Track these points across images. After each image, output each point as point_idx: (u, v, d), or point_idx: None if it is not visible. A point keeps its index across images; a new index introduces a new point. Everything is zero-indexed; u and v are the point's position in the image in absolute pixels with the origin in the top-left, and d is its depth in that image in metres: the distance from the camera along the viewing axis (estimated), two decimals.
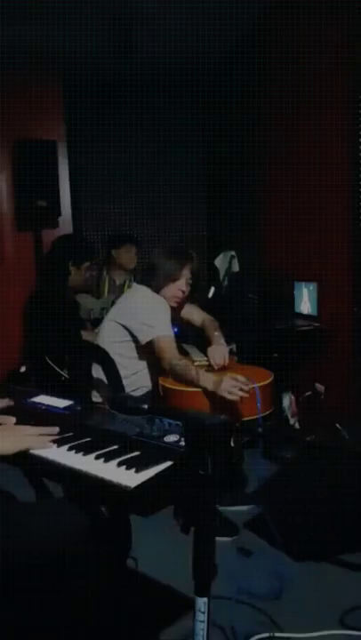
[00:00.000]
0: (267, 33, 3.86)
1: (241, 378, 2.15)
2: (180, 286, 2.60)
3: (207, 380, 2.22)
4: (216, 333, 2.65)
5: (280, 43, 3.66)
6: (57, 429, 1.42)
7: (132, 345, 2.55)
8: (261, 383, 2.25)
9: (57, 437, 1.39)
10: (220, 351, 2.51)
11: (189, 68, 4.79)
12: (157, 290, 2.58)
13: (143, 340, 2.46)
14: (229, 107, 4.74)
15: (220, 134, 4.96)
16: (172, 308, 2.62)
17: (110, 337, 2.59)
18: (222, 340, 2.62)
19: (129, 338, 2.53)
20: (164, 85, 4.95)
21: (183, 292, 2.62)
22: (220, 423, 1.09)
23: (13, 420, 1.48)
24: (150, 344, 2.44)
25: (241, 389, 2.11)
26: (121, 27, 3.76)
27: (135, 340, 2.51)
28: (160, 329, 2.43)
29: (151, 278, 2.59)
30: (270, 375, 2.37)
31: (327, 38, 3.05)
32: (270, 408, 2.35)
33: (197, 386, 2.24)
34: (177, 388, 2.32)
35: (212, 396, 2.19)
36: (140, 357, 2.58)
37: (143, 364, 2.60)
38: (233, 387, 2.11)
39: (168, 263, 2.58)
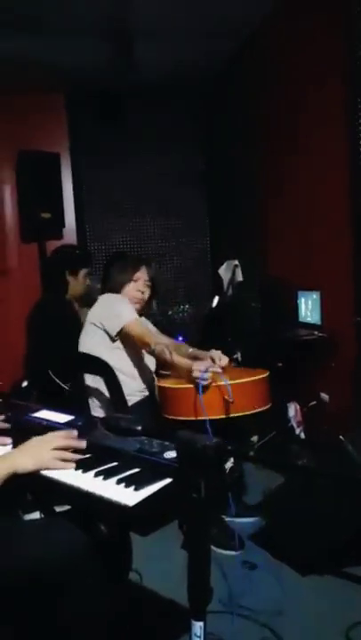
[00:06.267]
0: (265, 45, 3.88)
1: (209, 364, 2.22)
2: (138, 287, 2.72)
3: (180, 363, 2.30)
4: (191, 350, 2.65)
5: (279, 54, 3.68)
6: (83, 445, 1.39)
7: (110, 342, 2.62)
8: (248, 379, 2.26)
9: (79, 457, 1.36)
10: (219, 353, 2.49)
11: (190, 81, 4.82)
12: (117, 291, 2.71)
13: (113, 331, 2.57)
14: (230, 118, 4.77)
15: (222, 145, 4.99)
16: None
17: (87, 338, 2.68)
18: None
19: (105, 335, 2.61)
20: (166, 98, 4.99)
21: (142, 292, 2.73)
22: (213, 446, 1.08)
23: (8, 440, 1.47)
24: (124, 336, 2.55)
25: (209, 374, 2.15)
26: (123, 41, 3.79)
27: (109, 335, 2.60)
28: (125, 316, 2.55)
29: (110, 280, 2.75)
30: (264, 372, 2.37)
31: (325, 50, 3.06)
32: (267, 404, 2.34)
33: (173, 367, 2.34)
34: (170, 386, 2.34)
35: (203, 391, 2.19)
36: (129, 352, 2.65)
37: (128, 363, 2.65)
38: (205, 367, 2.17)
39: (122, 266, 2.77)
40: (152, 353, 2.51)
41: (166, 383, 2.39)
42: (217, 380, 2.19)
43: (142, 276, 2.73)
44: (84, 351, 2.67)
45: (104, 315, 2.62)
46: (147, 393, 2.67)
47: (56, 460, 1.33)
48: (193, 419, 2.19)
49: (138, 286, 2.72)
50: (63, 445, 1.37)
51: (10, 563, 1.21)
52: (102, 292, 2.82)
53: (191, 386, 2.24)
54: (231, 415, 2.18)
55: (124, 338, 2.59)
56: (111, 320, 2.58)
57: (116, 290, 2.72)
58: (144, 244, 5.18)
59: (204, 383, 2.14)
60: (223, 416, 2.18)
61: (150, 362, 2.73)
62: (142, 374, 2.69)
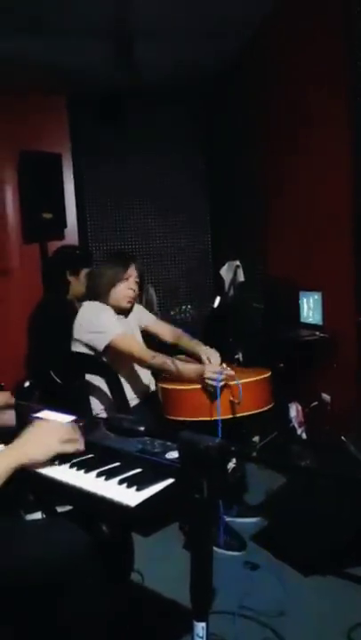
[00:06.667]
0: (265, 45, 3.88)
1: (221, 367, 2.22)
2: (129, 285, 2.64)
3: (189, 370, 2.28)
4: (196, 341, 2.66)
5: (279, 54, 3.68)
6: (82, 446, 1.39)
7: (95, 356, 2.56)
8: (252, 378, 2.26)
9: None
10: (213, 352, 2.50)
11: (190, 81, 4.83)
12: (107, 294, 2.60)
13: (100, 347, 2.48)
14: (230, 118, 4.77)
15: (222, 145, 4.99)
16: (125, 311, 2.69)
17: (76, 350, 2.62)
18: (206, 347, 2.61)
19: (89, 350, 2.55)
20: (166, 98, 4.99)
21: (133, 290, 2.66)
22: (215, 446, 1.08)
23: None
24: (111, 350, 2.46)
25: (224, 376, 2.16)
26: (123, 41, 3.79)
27: (95, 351, 2.52)
28: (110, 331, 2.46)
29: (98, 284, 2.63)
30: (266, 372, 2.38)
31: (325, 50, 3.06)
32: (270, 403, 2.35)
33: (181, 378, 2.29)
34: (173, 387, 2.34)
35: (205, 393, 2.21)
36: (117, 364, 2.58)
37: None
38: (215, 372, 2.16)
39: (112, 266, 2.66)
40: (151, 367, 2.46)
41: (169, 384, 2.39)
42: (227, 380, 2.19)
43: (133, 273, 2.66)
44: None
45: (88, 330, 2.53)
46: (136, 401, 2.63)
47: (64, 444, 1.34)
48: (197, 419, 2.19)
49: (130, 284, 2.65)
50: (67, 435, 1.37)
51: (10, 563, 1.21)
52: (88, 297, 2.71)
53: (194, 387, 2.24)
54: (237, 415, 2.19)
55: (111, 352, 2.50)
56: (95, 336, 2.49)
57: (105, 291, 2.61)
58: (145, 244, 5.18)
59: (220, 385, 2.14)
60: (230, 416, 2.19)
61: (142, 371, 2.67)
62: (132, 383, 2.63)
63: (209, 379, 2.18)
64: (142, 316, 2.85)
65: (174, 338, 2.79)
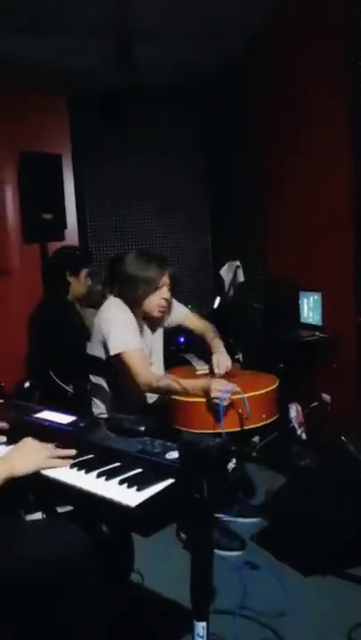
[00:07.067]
0: (265, 45, 3.88)
1: (226, 384, 2.17)
2: (162, 294, 2.49)
3: (195, 388, 2.22)
4: (217, 339, 2.63)
5: (279, 54, 3.68)
6: (74, 452, 1.41)
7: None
8: (261, 391, 2.24)
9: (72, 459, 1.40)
10: (223, 359, 2.49)
11: (190, 81, 4.83)
12: (139, 302, 2.48)
13: (111, 351, 2.38)
14: (230, 118, 4.77)
15: (222, 145, 4.99)
16: (158, 318, 2.60)
17: (92, 350, 2.57)
18: (222, 347, 2.59)
19: (104, 351, 2.48)
20: (166, 98, 4.99)
21: (166, 299, 2.53)
22: (216, 446, 1.08)
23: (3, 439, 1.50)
24: (116, 358, 2.38)
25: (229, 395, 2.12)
26: (123, 41, 3.79)
27: (106, 349, 2.44)
28: (122, 341, 2.36)
29: (131, 291, 2.46)
30: (275, 380, 2.36)
31: (326, 50, 3.06)
32: (276, 414, 2.33)
33: (187, 393, 2.24)
34: (183, 399, 2.30)
35: (211, 406, 2.18)
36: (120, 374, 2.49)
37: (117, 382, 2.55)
38: (221, 391, 2.12)
39: (147, 272, 2.46)
40: (157, 391, 2.37)
41: (178, 395, 2.33)
42: (233, 395, 2.15)
43: (166, 280, 2.49)
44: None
45: (104, 332, 2.44)
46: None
47: (52, 459, 1.36)
48: (205, 432, 2.16)
49: (162, 293, 2.49)
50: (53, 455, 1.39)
51: (10, 563, 1.21)
52: (116, 295, 2.54)
53: (200, 400, 2.21)
54: (245, 428, 2.17)
55: (120, 362, 2.40)
56: (109, 340, 2.39)
57: (139, 302, 2.47)
58: (145, 244, 5.18)
59: (225, 404, 2.10)
60: (238, 429, 2.17)
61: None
62: (129, 393, 2.54)
63: (215, 397, 2.13)
64: (176, 315, 2.74)
65: (203, 330, 2.74)
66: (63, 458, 1.39)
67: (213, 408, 2.16)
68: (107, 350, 2.42)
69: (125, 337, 2.39)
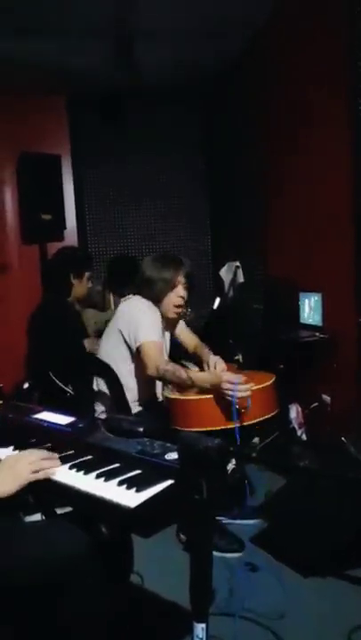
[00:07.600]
0: (265, 45, 3.88)
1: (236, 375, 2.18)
2: (178, 292, 2.55)
3: (202, 380, 2.24)
4: (210, 353, 2.63)
5: (279, 54, 3.68)
6: (56, 456, 1.38)
7: (127, 351, 2.53)
8: (259, 386, 2.24)
9: (61, 456, 1.38)
10: (219, 360, 2.50)
11: (190, 81, 4.83)
12: (157, 302, 2.54)
13: (133, 344, 2.45)
14: (230, 118, 4.76)
15: (222, 145, 4.99)
16: (172, 322, 2.64)
17: (107, 343, 2.60)
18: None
19: (123, 344, 2.52)
20: (166, 98, 4.99)
21: (183, 297, 2.57)
22: (214, 447, 1.08)
23: None
24: (139, 348, 2.42)
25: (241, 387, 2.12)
26: (123, 41, 3.79)
27: (128, 345, 2.50)
28: (147, 334, 2.41)
29: (150, 292, 2.54)
30: (271, 377, 2.36)
31: (326, 50, 3.06)
32: (275, 409, 2.33)
33: (194, 387, 2.26)
34: (180, 397, 2.32)
35: (216, 402, 2.19)
36: (137, 366, 2.53)
37: (133, 378, 2.57)
38: (232, 382, 2.12)
39: (163, 272, 2.54)
40: (164, 377, 2.38)
41: (175, 395, 2.36)
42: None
43: (182, 280, 2.55)
44: (102, 354, 2.60)
45: (129, 323, 2.48)
46: (138, 408, 2.60)
47: (35, 473, 1.31)
48: (205, 429, 2.16)
49: (179, 292, 2.55)
50: (39, 458, 1.35)
51: (10, 563, 1.21)
52: (128, 294, 2.62)
53: (203, 397, 2.23)
54: (245, 423, 2.17)
55: (141, 352, 2.43)
56: (132, 332, 2.46)
57: (156, 297, 2.53)
58: (145, 244, 5.18)
59: (238, 395, 2.10)
60: (239, 425, 2.15)
61: (156, 383, 2.64)
62: (141, 391, 2.59)
63: (227, 389, 2.13)
64: (178, 325, 2.79)
65: (195, 345, 2.76)
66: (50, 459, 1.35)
67: (223, 400, 2.15)
68: (130, 340, 2.46)
69: (153, 330, 2.45)
